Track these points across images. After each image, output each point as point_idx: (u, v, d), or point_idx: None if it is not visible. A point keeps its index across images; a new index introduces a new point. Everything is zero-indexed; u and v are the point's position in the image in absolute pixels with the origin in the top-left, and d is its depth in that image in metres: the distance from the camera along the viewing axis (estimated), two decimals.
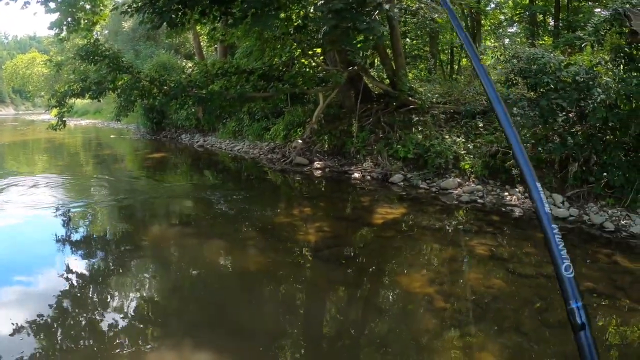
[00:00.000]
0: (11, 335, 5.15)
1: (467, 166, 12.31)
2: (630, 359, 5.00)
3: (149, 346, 5.12)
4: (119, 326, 5.48)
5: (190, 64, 25.46)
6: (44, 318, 5.57)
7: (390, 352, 5.09)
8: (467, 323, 5.64)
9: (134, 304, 6.22)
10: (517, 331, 5.49)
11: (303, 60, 17.62)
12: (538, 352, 5.09)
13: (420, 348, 5.22)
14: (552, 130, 10.61)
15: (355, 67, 15.82)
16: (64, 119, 15.51)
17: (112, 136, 32.75)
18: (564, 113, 10.43)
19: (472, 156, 12.54)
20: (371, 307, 6.26)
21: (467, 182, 12.01)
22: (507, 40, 22.00)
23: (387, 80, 16.78)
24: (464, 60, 23.82)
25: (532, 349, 5.15)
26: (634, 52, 9.52)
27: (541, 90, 10.24)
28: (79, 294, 6.48)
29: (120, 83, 15.12)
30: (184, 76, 16.72)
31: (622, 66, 9.88)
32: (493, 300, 6.21)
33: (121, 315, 5.76)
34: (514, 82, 11.39)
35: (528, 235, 8.92)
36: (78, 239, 9.06)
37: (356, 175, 14.17)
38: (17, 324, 5.34)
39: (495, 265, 7.47)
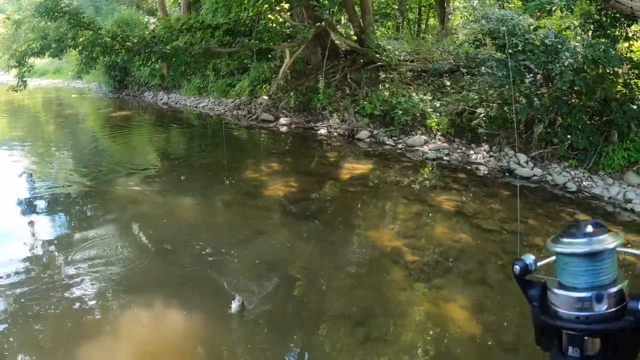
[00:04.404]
0: None
1: (433, 124, 12.36)
2: None
3: (121, 303, 5.07)
4: (91, 286, 5.35)
5: (153, 20, 24.71)
6: (11, 283, 5.44)
7: (358, 304, 5.13)
8: (434, 275, 5.72)
9: (102, 262, 6.03)
10: (482, 283, 5.60)
11: (270, 16, 17.26)
12: (502, 303, 5.20)
13: (389, 299, 5.28)
14: (519, 91, 10.70)
15: (323, 24, 15.57)
16: (24, 79, 14.99)
17: (73, 95, 31.81)
18: (531, 75, 10.52)
19: (438, 114, 12.59)
20: (339, 260, 6.28)
21: (433, 140, 12.09)
22: (476, 1, 21.91)
23: (355, 37, 16.61)
24: (432, 19, 23.73)
25: (496, 300, 5.26)
26: (603, 19, 9.61)
27: (509, 51, 10.27)
28: (46, 257, 6.30)
29: (81, 40, 14.54)
30: (147, 32, 16.17)
31: (590, 32, 9.99)
32: (459, 254, 6.32)
33: (92, 276, 5.60)
34: (483, 42, 11.41)
35: (493, 192, 9.06)
36: (42, 198, 8.83)
37: (322, 131, 14.13)
38: None
39: (461, 220, 7.58)
